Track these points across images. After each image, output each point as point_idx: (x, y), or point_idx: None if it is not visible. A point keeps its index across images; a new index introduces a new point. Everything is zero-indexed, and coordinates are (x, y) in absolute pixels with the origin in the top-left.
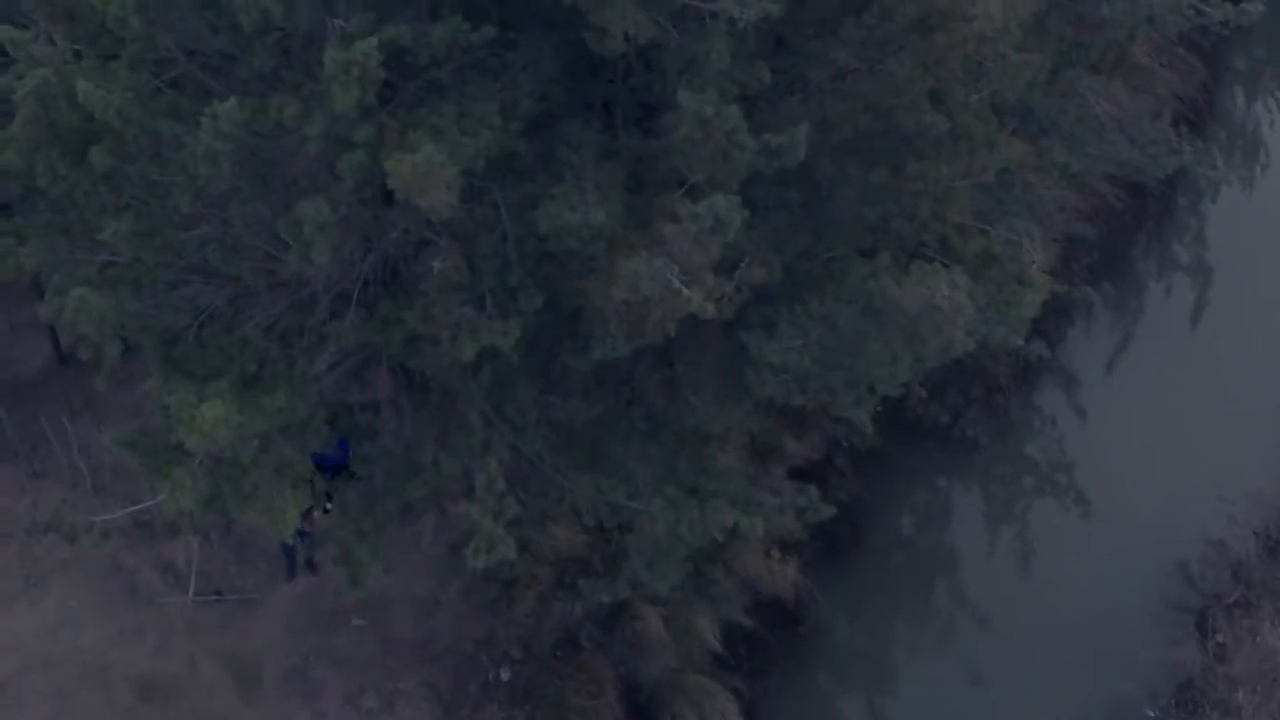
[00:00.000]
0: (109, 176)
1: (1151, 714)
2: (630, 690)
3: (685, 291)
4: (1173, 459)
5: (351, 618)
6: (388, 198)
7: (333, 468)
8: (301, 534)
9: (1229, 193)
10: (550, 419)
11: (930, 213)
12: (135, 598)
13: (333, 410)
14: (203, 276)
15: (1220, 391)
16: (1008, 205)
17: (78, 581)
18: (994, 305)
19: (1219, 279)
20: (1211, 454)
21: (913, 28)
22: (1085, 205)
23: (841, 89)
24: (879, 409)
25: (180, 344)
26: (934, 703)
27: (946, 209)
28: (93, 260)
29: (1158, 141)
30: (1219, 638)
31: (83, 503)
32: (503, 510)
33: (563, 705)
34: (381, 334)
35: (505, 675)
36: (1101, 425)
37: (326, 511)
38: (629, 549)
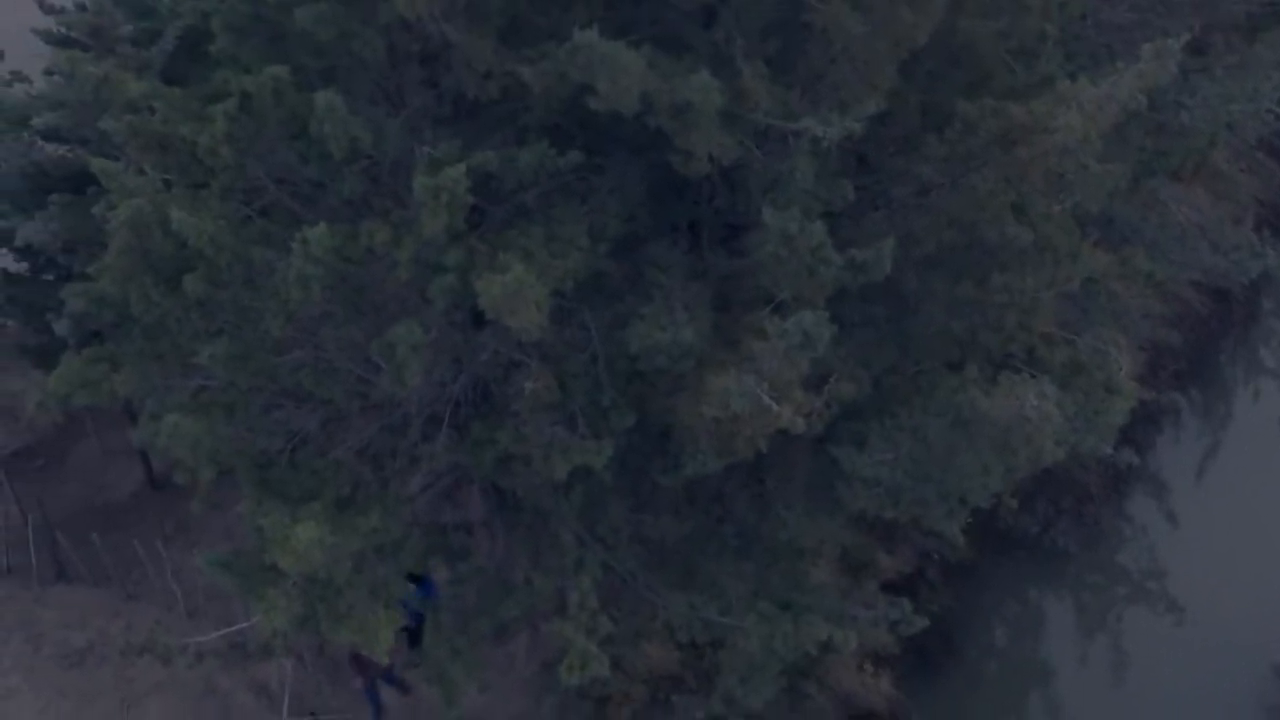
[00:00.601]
0: (202, 303)
1: None
2: None
3: (775, 408)
4: (1264, 562)
5: None
6: (478, 320)
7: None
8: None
9: None
10: (642, 537)
11: (1016, 324)
12: (230, 719)
13: (426, 531)
14: (295, 400)
15: None
16: (1093, 314)
17: (172, 703)
18: (1083, 414)
19: None
20: None
21: (994, 142)
22: (1170, 312)
23: (925, 204)
24: (970, 521)
25: (274, 467)
26: None
27: (1032, 320)
28: (186, 386)
29: (1240, 246)
30: None
31: (176, 625)
32: (596, 627)
33: None
34: (473, 455)
35: None
36: (1191, 531)
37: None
38: (723, 665)
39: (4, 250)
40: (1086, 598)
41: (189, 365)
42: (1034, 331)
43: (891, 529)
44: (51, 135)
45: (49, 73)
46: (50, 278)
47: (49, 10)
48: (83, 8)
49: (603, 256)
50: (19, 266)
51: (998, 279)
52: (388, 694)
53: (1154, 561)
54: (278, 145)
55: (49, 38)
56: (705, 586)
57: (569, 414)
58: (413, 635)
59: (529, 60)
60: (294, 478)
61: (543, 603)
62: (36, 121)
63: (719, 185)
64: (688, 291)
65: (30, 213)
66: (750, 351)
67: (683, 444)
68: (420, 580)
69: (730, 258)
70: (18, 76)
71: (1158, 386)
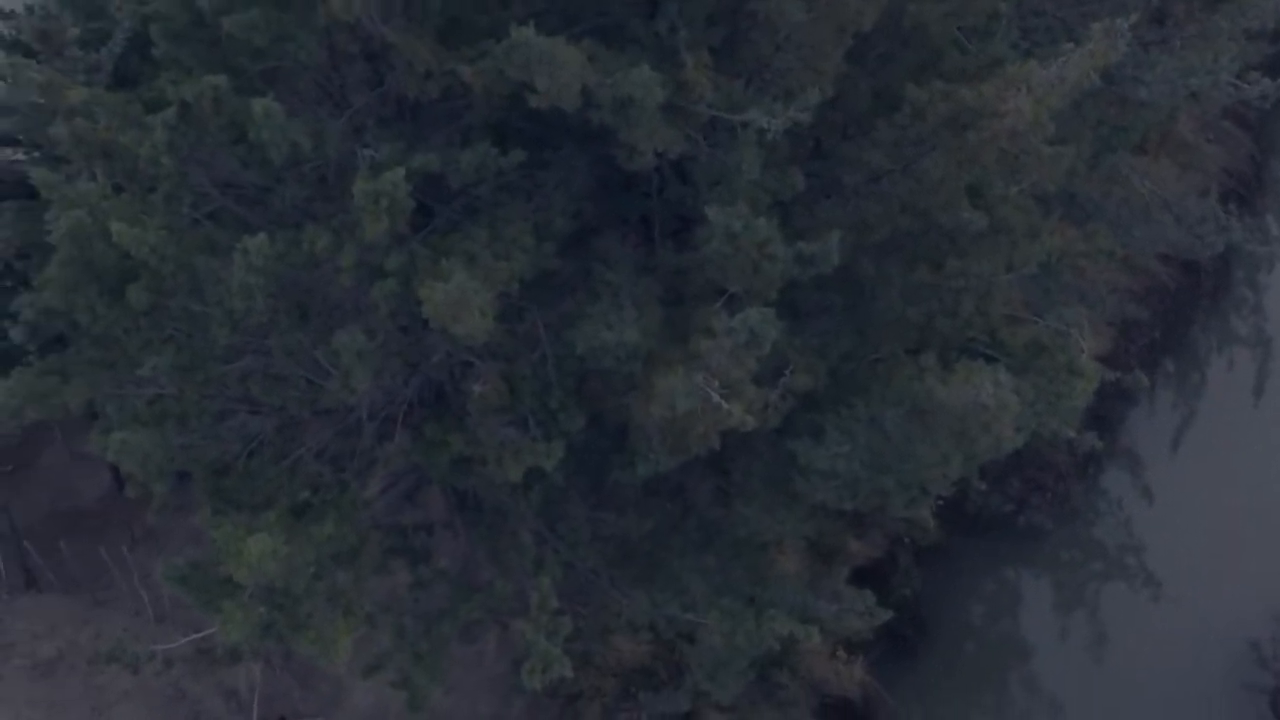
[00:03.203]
0: (149, 312)
1: None
2: None
3: (725, 406)
4: (1241, 537)
5: None
6: (427, 322)
7: None
8: None
9: None
10: (603, 534)
11: (974, 308)
12: None
13: (387, 534)
14: (250, 406)
15: None
16: (1055, 295)
17: (141, 711)
18: (1044, 397)
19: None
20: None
21: (944, 126)
22: (1138, 287)
23: (877, 190)
24: (940, 504)
25: (230, 475)
26: None
27: (989, 304)
28: (141, 394)
29: (1205, 220)
30: None
31: (145, 631)
32: (557, 628)
33: None
34: (427, 457)
35: None
36: (1167, 506)
37: None
38: (689, 660)
39: None
40: (1061, 576)
41: (141, 375)
42: (992, 315)
43: (861, 515)
44: (4, 141)
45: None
46: (9, 284)
47: None
48: (32, 10)
49: (549, 255)
50: None
51: (953, 264)
52: (361, 692)
53: (1129, 538)
54: (220, 152)
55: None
56: (668, 583)
57: (520, 416)
58: None
59: (468, 59)
60: (249, 485)
61: (504, 603)
62: None
63: (669, 177)
64: (637, 287)
65: None
66: (698, 350)
67: (635, 443)
68: None
69: (681, 251)
70: None
71: (1127, 363)
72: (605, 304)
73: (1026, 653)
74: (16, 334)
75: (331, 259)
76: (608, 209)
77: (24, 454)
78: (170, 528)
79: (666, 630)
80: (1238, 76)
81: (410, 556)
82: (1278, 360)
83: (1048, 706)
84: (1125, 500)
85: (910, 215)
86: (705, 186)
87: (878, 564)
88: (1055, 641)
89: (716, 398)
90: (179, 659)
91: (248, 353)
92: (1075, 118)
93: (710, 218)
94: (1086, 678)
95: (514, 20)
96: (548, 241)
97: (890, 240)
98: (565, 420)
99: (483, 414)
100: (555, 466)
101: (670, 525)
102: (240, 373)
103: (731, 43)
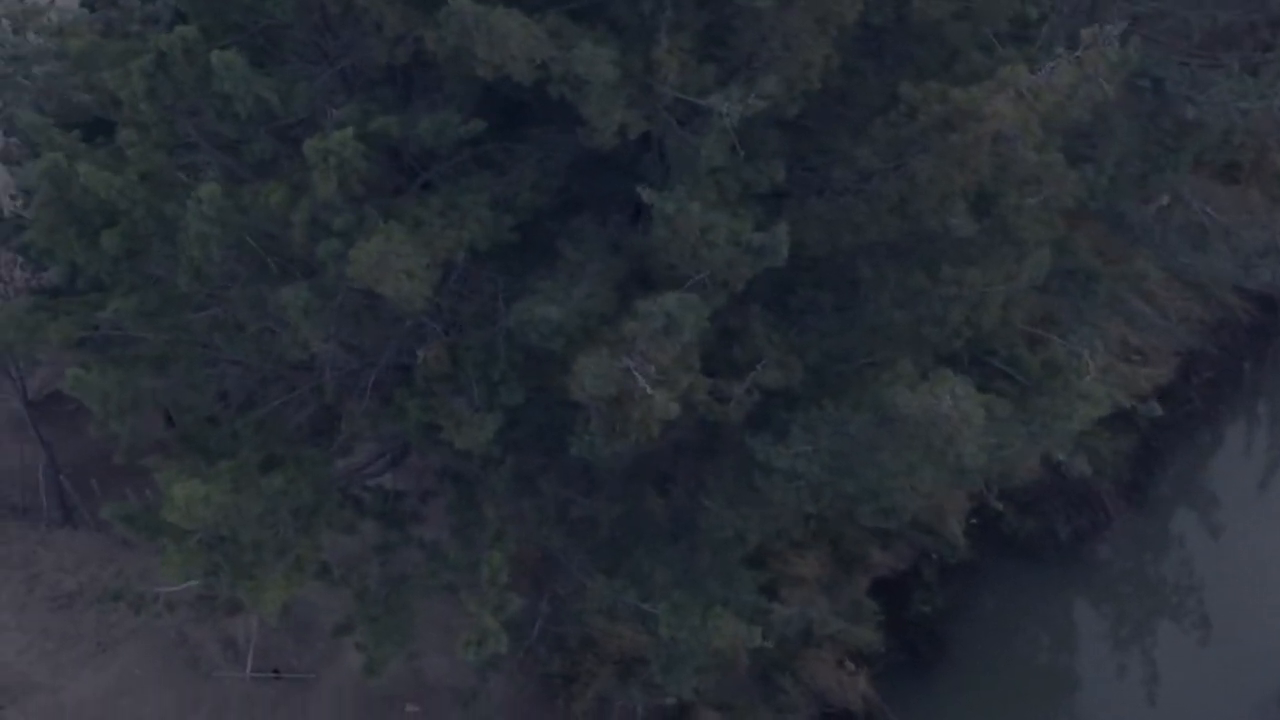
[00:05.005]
0: (129, 255)
1: None
2: None
3: (649, 390)
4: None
5: (406, 704)
6: None
7: None
8: None
9: None
10: (572, 515)
11: (963, 318)
12: (196, 670)
13: (374, 496)
14: (224, 357)
15: None
16: (1086, 313)
17: (143, 651)
18: (1041, 418)
19: None
20: None
21: (934, 127)
22: (1210, 317)
23: (865, 189)
24: (973, 523)
25: (211, 423)
26: None
27: (982, 314)
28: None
29: (1268, 252)
30: None
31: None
32: (503, 604)
33: None
34: (395, 422)
35: None
36: (1205, 544)
37: None
38: (648, 653)
39: None
40: (1097, 608)
41: (101, 317)
42: (982, 327)
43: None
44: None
45: None
46: None
47: None
48: None
49: (507, 229)
50: None
51: (948, 271)
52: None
53: (1171, 573)
54: (199, 103)
55: None
56: (630, 569)
57: (465, 386)
58: None
59: (435, 24)
60: (219, 434)
61: (461, 575)
62: (38, 70)
63: (652, 160)
64: (602, 266)
65: None
66: (623, 333)
67: (576, 424)
68: None
69: (646, 235)
70: None
71: (1186, 394)
72: (558, 280)
73: (1046, 682)
74: (53, 274)
75: (286, 215)
76: (597, 187)
77: None
78: None
79: (627, 619)
80: None
81: (385, 520)
82: None
83: None
84: (1170, 535)
85: (899, 217)
86: (676, 170)
87: (901, 576)
88: (1080, 673)
89: (642, 382)
90: (182, 604)
91: (215, 302)
92: (1104, 132)
93: (645, 199)
94: (1108, 712)
95: None
96: (509, 214)
97: (894, 243)
98: (505, 394)
99: (427, 381)
100: (490, 439)
101: (643, 513)
102: (208, 322)
103: (720, 31)
